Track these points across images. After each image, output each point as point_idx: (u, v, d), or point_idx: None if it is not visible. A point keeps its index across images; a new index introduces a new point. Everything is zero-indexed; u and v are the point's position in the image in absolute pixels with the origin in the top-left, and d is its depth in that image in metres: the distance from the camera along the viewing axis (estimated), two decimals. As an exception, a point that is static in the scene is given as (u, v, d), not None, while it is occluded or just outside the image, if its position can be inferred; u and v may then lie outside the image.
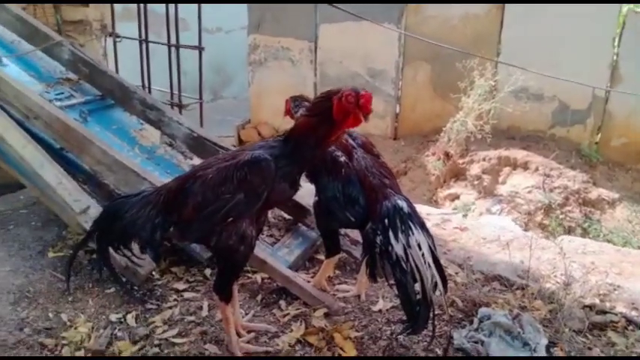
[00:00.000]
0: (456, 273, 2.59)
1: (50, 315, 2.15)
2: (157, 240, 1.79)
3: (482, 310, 2.21)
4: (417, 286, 1.83)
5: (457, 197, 5.84)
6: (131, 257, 1.87)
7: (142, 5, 3.59)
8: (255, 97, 7.68)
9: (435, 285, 1.81)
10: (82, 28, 5.12)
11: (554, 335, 2.11)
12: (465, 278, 2.54)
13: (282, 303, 2.29)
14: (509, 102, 5.94)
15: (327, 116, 1.71)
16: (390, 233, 1.88)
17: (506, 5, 6.19)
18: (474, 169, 5.92)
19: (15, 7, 3.26)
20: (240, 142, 7.42)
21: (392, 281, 1.87)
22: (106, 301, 2.25)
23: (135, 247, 1.87)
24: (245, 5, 7.43)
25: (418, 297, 1.83)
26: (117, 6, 7.05)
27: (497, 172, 5.81)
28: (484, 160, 5.90)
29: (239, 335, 2.04)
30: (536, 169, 5.59)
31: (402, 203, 1.94)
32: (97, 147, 2.58)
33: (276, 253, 2.58)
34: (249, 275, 2.46)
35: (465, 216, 5.52)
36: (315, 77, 7.17)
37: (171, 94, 3.92)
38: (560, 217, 5.28)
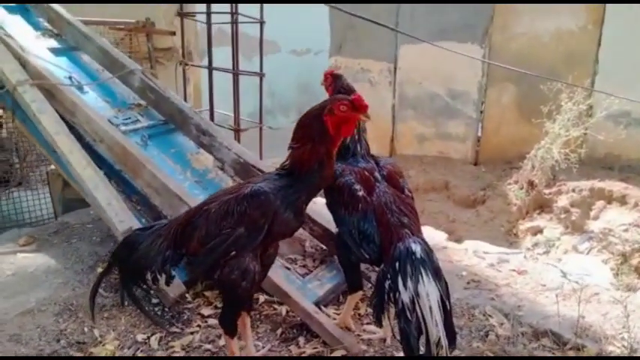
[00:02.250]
0: (501, 324, 2.33)
1: (85, 329, 2.29)
2: (168, 272, 1.83)
3: (519, 372, 1.96)
4: (423, 338, 1.68)
5: (540, 231, 5.32)
6: (146, 288, 1.93)
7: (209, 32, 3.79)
8: (334, 118, 7.74)
9: (439, 341, 1.63)
10: (169, 55, 5.58)
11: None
12: (510, 331, 2.27)
13: (301, 340, 2.23)
14: (606, 127, 5.32)
15: (322, 136, 1.69)
16: (399, 279, 1.75)
17: (605, 21, 5.58)
18: (562, 201, 5.36)
19: (99, 39, 3.62)
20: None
21: (396, 329, 1.73)
22: (137, 320, 2.36)
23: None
24: (333, 27, 7.57)
25: (422, 350, 1.67)
26: (213, 31, 7.63)
27: (589, 206, 5.20)
28: (574, 191, 5.32)
29: (249, 369, 2.02)
30: (636, 205, 4.91)
31: (416, 247, 1.80)
32: (148, 170, 2.75)
33: (306, 285, 2.52)
34: (275, 307, 2.43)
35: (546, 252, 5.03)
36: (394, 99, 7.04)
37: (235, 118, 4.07)
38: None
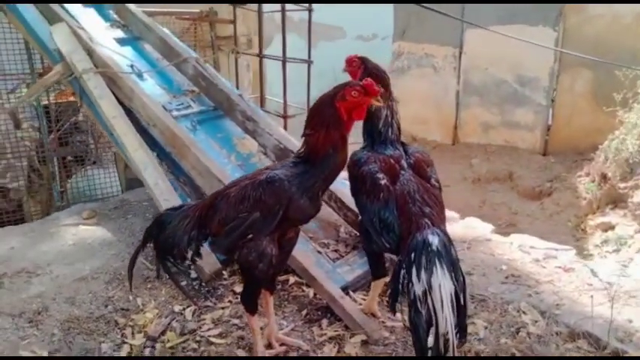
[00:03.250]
0: (535, 322, 2.22)
1: (130, 297, 2.49)
2: (193, 251, 1.93)
3: (543, 373, 1.86)
4: (432, 330, 1.65)
5: (611, 228, 4.91)
6: (178, 264, 2.03)
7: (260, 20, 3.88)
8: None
9: (446, 336, 1.60)
10: (231, 43, 5.76)
11: None
12: (543, 329, 2.16)
13: (325, 322, 2.26)
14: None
15: (336, 122, 1.72)
16: (414, 269, 1.72)
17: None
18: (638, 197, 4.90)
19: (159, 29, 3.83)
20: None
21: (407, 320, 1.71)
22: (176, 292, 2.52)
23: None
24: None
25: (430, 342, 1.65)
26: (275, 18, 7.74)
27: (670, 203, 4.72)
28: (653, 186, 4.84)
29: (270, 347, 2.10)
30: None
31: (434, 238, 1.75)
32: (193, 153, 2.90)
33: (336, 270, 2.55)
34: (304, 289, 2.49)
35: (617, 251, 4.66)
36: (458, 85, 6.79)
37: (284, 105, 4.15)
38: None
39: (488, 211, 5.77)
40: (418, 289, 1.70)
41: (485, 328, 2.19)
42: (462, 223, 3.25)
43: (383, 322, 2.25)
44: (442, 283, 1.68)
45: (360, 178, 1.98)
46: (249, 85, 6.02)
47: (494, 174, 6.18)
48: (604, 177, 5.16)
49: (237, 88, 4.14)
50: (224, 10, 5.57)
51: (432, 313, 1.66)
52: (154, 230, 1.98)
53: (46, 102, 4.67)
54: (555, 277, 2.57)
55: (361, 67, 2.11)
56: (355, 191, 2.03)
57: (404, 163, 2.01)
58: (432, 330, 1.67)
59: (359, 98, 1.72)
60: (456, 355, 1.66)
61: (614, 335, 2.10)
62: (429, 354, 1.67)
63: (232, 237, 1.80)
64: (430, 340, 1.68)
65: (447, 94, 6.89)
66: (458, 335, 1.69)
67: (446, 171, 6.58)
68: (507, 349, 2.04)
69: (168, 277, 2.15)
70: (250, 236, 1.80)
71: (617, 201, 5.12)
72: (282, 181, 1.73)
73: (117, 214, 3.34)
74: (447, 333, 1.63)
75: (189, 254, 1.93)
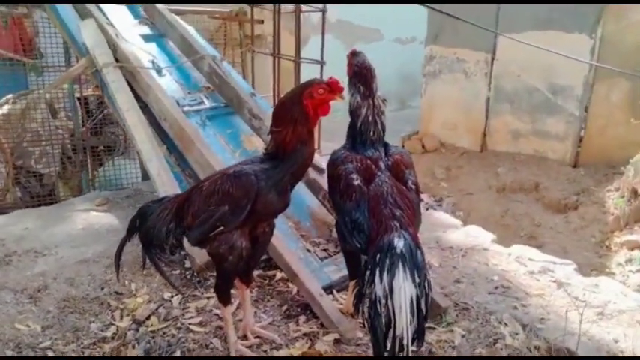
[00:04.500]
0: (515, 334, 2.17)
1: (126, 282, 2.61)
2: (171, 242, 2.01)
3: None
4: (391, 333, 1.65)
5: (638, 246, 4.67)
6: (159, 256, 2.09)
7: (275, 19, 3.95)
8: (425, 109, 7.54)
9: (401, 340, 1.60)
10: (259, 42, 5.88)
11: None
12: (521, 343, 2.10)
13: (302, 318, 2.30)
14: None
15: (302, 118, 1.77)
16: (377, 271, 1.73)
17: None
18: (670, 215, 4.65)
19: (181, 27, 3.97)
20: (404, 153, 7.37)
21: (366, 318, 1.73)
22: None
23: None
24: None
25: (388, 341, 1.65)
26: (312, 19, 7.80)
27: (703, 223, 4.44)
28: (686, 205, 4.58)
29: (245, 338, 2.15)
30: None
31: (399, 242, 1.75)
32: (197, 148, 3.00)
33: (322, 268, 2.58)
34: (289, 285, 2.53)
35: (640, 271, 4.44)
36: (489, 91, 6.63)
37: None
38: None
39: (511, 222, 5.61)
40: (379, 290, 1.70)
41: (463, 336, 2.16)
42: (464, 230, 3.20)
43: (360, 322, 2.26)
44: (403, 286, 1.68)
45: (336, 177, 2.00)
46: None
47: (520, 184, 5.99)
48: (634, 192, 4.92)
49: (254, 86, 4.22)
50: (254, 11, 5.69)
51: (391, 316, 1.67)
52: (136, 221, 2.07)
53: (79, 94, 4.93)
54: (547, 291, 2.49)
55: (350, 62, 2.13)
56: (331, 190, 2.05)
57: (382, 164, 2.00)
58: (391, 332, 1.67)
59: (325, 95, 1.77)
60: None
61: (596, 354, 2.03)
62: (385, 355, 1.67)
63: (202, 229, 1.87)
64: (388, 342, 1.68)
65: (477, 100, 6.74)
66: (415, 339, 1.68)
67: (471, 179, 6.46)
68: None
69: (153, 266, 2.21)
70: (221, 229, 1.86)
71: (646, 219, 4.86)
72: (249, 175, 1.78)
73: (128, 202, 3.50)
74: (403, 336, 1.63)
75: (168, 246, 2.01)
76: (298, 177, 1.88)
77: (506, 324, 2.21)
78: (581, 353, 2.01)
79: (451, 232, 3.15)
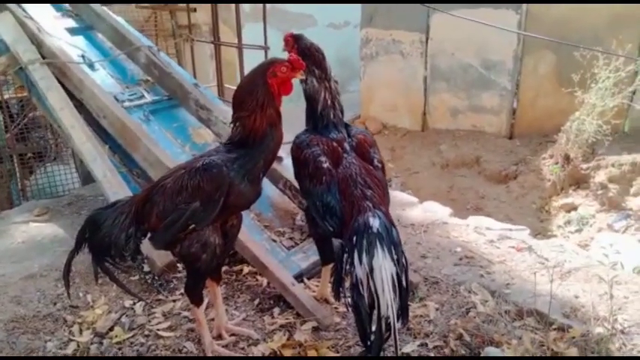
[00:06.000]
0: (485, 301, 2.24)
1: (80, 294, 2.42)
2: (132, 248, 1.86)
3: (488, 350, 1.88)
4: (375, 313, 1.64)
5: (574, 208, 5.01)
6: (116, 265, 1.95)
7: (213, 8, 3.79)
8: (365, 92, 7.61)
9: (387, 319, 1.59)
10: (194, 32, 5.64)
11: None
12: (492, 309, 2.18)
13: (276, 310, 2.24)
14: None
15: (269, 99, 1.72)
16: (355, 253, 1.71)
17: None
18: (600, 177, 5.01)
19: (110, 17, 3.71)
20: (348, 137, 7.40)
21: (349, 302, 1.71)
22: (128, 287, 2.45)
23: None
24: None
25: (374, 324, 1.64)
26: (245, 6, 7.59)
27: (629, 182, 4.82)
28: (613, 166, 4.94)
29: (220, 337, 2.07)
30: (682, 181, 4.51)
31: (374, 221, 1.74)
32: (144, 144, 2.82)
33: (290, 258, 2.53)
34: (258, 278, 2.46)
35: (579, 231, 4.75)
36: (426, 70, 6.79)
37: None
38: None
39: (457, 196, 5.82)
40: (360, 272, 1.68)
41: (437, 309, 2.20)
42: (421, 207, 3.26)
43: (335, 307, 2.24)
44: (383, 265, 1.66)
45: (303, 161, 1.95)
46: (214, 74, 5.91)
47: (462, 159, 6.22)
48: (567, 158, 5.26)
49: (195, 77, 4.05)
50: (184, -1, 5.45)
51: (374, 296, 1.66)
52: (86, 231, 1.91)
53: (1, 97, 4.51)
54: (508, 257, 2.59)
55: (295, 46, 2.06)
56: (298, 175, 2.01)
57: (346, 145, 1.98)
58: (375, 312, 1.66)
59: (287, 73, 1.73)
60: (398, 337, 1.66)
61: (561, 311, 2.14)
62: (372, 337, 1.66)
63: (172, 230, 1.75)
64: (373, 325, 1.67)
65: (415, 80, 6.88)
66: (400, 317, 1.69)
67: (416, 157, 6.62)
68: (455, 329, 2.04)
69: (106, 275, 2.05)
70: (192, 227, 1.76)
71: (579, 182, 5.23)
72: (221, 166, 1.69)
73: (70, 210, 3.25)
74: (389, 316, 1.62)
75: (129, 252, 1.87)
76: (270, 162, 1.81)
77: (475, 293, 2.28)
78: (546, 312, 2.10)
79: (410, 210, 3.20)
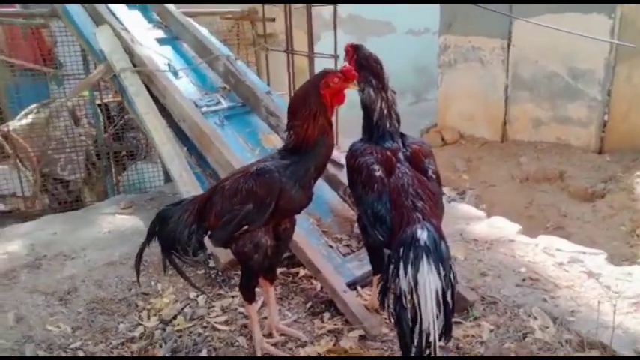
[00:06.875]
0: (545, 327, 2.12)
1: (152, 282, 2.65)
2: (194, 244, 2.00)
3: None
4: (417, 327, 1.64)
5: (669, 233, 4.54)
6: (182, 258, 2.09)
7: (287, 16, 3.94)
8: (442, 101, 7.44)
9: (427, 335, 1.58)
10: (271, 40, 5.88)
11: None
12: (552, 337, 2.06)
13: (327, 315, 2.29)
14: None
15: (321, 109, 1.78)
16: (401, 264, 1.71)
17: None
18: (702, 200, 4.49)
19: (194, 28, 3.98)
20: (423, 146, 7.27)
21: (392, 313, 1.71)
22: (194, 280, 2.63)
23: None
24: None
25: (415, 336, 1.63)
26: (324, 14, 7.77)
27: None
28: None
29: (270, 335, 2.16)
30: None
31: (422, 233, 1.73)
32: (216, 147, 3.01)
33: (345, 264, 2.57)
34: (313, 281, 2.52)
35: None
36: (507, 79, 6.50)
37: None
38: None
39: (535, 213, 5.50)
40: (404, 284, 1.68)
41: (491, 331, 2.13)
42: (487, 222, 3.14)
43: (386, 318, 2.24)
44: (428, 279, 1.65)
45: (357, 169, 1.99)
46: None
47: (544, 173, 5.86)
48: (664, 178, 4.77)
49: (269, 84, 4.22)
50: (265, 9, 5.69)
51: (417, 310, 1.65)
52: (156, 225, 2.09)
53: (99, 101, 5.01)
54: (577, 283, 2.43)
55: (354, 56, 2.11)
56: (352, 182, 2.04)
57: (401, 155, 1.98)
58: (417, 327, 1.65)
59: (340, 84, 1.78)
60: (440, 354, 1.64)
61: (632, 346, 1.97)
62: (413, 350, 1.66)
63: (228, 229, 1.87)
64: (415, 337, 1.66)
65: (495, 89, 6.62)
66: (443, 334, 1.66)
67: (493, 170, 6.34)
68: (508, 353, 1.96)
69: (174, 268, 2.19)
70: (245, 228, 1.86)
71: (678, 204, 4.72)
72: (272, 172, 1.78)
73: (152, 205, 3.54)
74: (429, 331, 1.61)
75: (191, 248, 2.02)
76: (321, 170, 1.87)
77: (535, 317, 2.17)
78: (615, 346, 1.96)
79: (475, 224, 3.11)
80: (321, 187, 3.00)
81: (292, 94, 1.92)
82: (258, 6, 5.34)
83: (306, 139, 1.78)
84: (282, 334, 2.16)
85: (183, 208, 2.03)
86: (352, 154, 2.04)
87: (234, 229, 1.86)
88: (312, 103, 1.76)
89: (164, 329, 2.29)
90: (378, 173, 1.93)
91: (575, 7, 5.45)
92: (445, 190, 6.05)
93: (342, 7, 9.50)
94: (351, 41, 2.17)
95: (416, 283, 1.66)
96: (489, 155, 6.62)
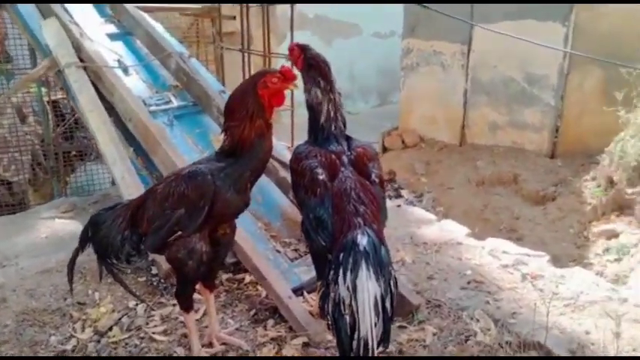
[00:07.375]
0: (487, 330, 2.12)
1: (89, 292, 2.51)
2: (127, 250, 1.91)
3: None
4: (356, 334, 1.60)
5: (615, 236, 4.68)
6: (117, 265, 2.01)
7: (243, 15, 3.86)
8: (404, 104, 7.49)
9: (365, 342, 1.54)
10: (232, 39, 5.77)
11: None
12: (493, 339, 2.06)
13: (271, 322, 2.23)
14: None
15: (259, 110, 1.72)
16: (340, 270, 1.67)
17: None
18: (646, 203, 4.66)
19: (147, 24, 3.85)
20: (384, 149, 7.31)
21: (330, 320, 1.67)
22: (133, 288, 2.52)
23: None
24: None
25: (354, 344, 1.59)
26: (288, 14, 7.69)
27: (679, 210, 4.47)
28: (662, 192, 4.59)
29: (210, 345, 2.08)
30: None
31: (362, 239, 1.69)
32: (162, 149, 2.90)
33: (292, 269, 2.52)
34: (258, 288, 2.46)
35: (618, 260, 4.45)
36: (466, 83, 6.60)
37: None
38: None
39: (490, 215, 5.60)
40: (343, 290, 1.64)
41: (434, 334, 2.12)
42: (438, 225, 3.15)
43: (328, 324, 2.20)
44: (367, 285, 1.62)
45: (300, 172, 1.93)
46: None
47: (499, 177, 5.99)
48: (610, 182, 4.94)
49: (224, 83, 4.13)
50: (226, 7, 5.58)
51: (355, 316, 1.61)
52: (89, 231, 1.98)
53: (48, 98, 4.78)
54: (520, 285, 2.46)
55: (300, 56, 2.05)
56: (295, 186, 1.99)
57: (345, 158, 1.94)
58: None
59: (279, 85, 1.73)
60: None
61: (567, 347, 2.00)
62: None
63: (159, 235, 1.79)
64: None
65: (455, 93, 6.71)
66: (382, 341, 1.63)
67: (451, 173, 6.43)
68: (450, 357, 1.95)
69: (111, 276, 2.10)
70: (178, 233, 1.78)
71: (623, 207, 4.88)
72: (205, 175, 1.71)
73: (95, 208, 3.38)
74: (367, 338, 1.57)
75: (124, 254, 1.92)
76: (258, 173, 1.81)
77: (478, 320, 2.17)
78: (550, 346, 1.98)
79: (426, 228, 3.11)
80: (271, 190, 2.94)
81: (230, 94, 1.84)
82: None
83: (242, 141, 1.72)
84: (223, 344, 2.08)
85: (115, 212, 1.93)
86: (296, 157, 1.98)
87: (166, 234, 1.78)
88: (249, 104, 1.70)
89: (98, 341, 2.17)
90: (322, 177, 1.89)
91: (532, 14, 5.58)
92: (403, 192, 6.10)
93: (309, 8, 9.48)
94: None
95: (354, 289, 1.62)
96: (448, 158, 6.71)
